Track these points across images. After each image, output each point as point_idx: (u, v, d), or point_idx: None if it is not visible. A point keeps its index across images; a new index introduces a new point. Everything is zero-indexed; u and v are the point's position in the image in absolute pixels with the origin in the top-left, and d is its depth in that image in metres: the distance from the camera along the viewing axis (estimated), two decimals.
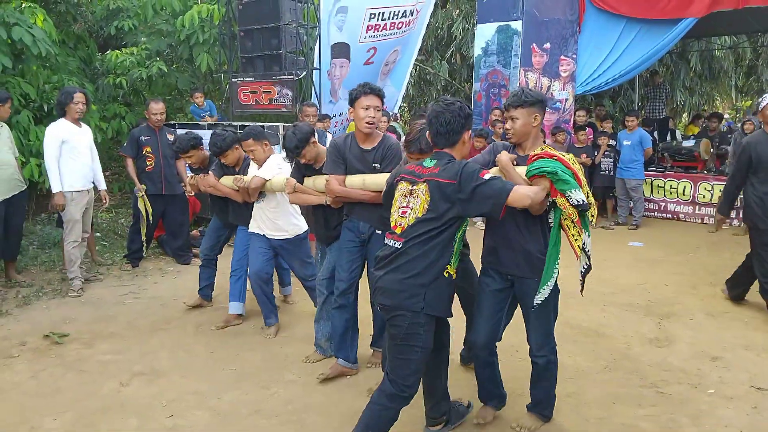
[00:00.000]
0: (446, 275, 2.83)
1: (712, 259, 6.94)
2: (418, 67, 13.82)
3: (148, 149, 6.61)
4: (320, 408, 3.58)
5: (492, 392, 3.39)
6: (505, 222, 3.01)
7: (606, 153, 9.19)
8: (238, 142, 4.77)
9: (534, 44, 9.80)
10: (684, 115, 16.57)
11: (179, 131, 7.68)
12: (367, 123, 3.66)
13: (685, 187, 9.28)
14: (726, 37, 14.92)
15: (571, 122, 9.80)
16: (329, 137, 6.92)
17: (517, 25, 9.93)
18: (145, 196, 6.57)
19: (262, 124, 7.85)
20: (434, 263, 2.79)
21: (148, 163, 6.61)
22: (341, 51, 9.14)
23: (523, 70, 9.96)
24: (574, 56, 9.62)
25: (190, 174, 5.46)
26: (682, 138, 11.27)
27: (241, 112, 8.84)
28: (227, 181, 4.81)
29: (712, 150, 10.07)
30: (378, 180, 3.64)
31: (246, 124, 8.17)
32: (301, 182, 4.16)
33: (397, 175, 3.02)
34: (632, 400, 3.66)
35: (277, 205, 4.66)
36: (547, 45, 9.72)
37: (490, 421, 3.38)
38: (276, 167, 4.54)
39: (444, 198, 2.75)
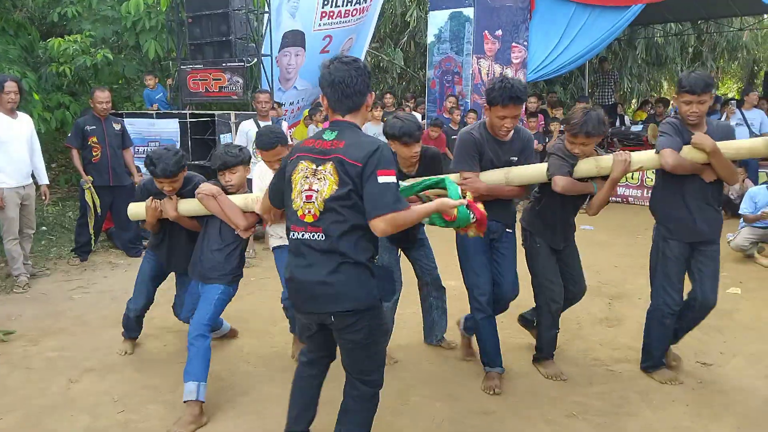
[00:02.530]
0: (375, 263, 2.54)
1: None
2: (372, 54, 13.77)
3: (94, 139, 6.40)
4: (279, 399, 3.55)
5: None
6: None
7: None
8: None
9: (486, 31, 9.87)
10: (633, 101, 16.98)
11: (128, 120, 7.51)
12: (503, 133, 3.40)
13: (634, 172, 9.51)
14: (672, 24, 15.32)
15: (524, 109, 9.91)
16: (284, 125, 6.84)
17: (469, 12, 9.98)
18: (92, 187, 6.38)
19: (212, 112, 7.72)
20: (365, 251, 2.46)
21: (94, 153, 6.40)
22: (295, 39, 9.04)
23: (476, 57, 10.03)
24: (526, 43, 9.74)
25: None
26: (631, 123, 11.56)
27: (190, 99, 8.66)
28: (238, 200, 3.58)
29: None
30: (523, 173, 3.45)
31: (197, 112, 8.04)
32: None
33: (291, 154, 2.61)
34: (584, 378, 3.75)
35: None
36: (499, 32, 9.80)
37: None
38: None
39: (350, 178, 2.37)
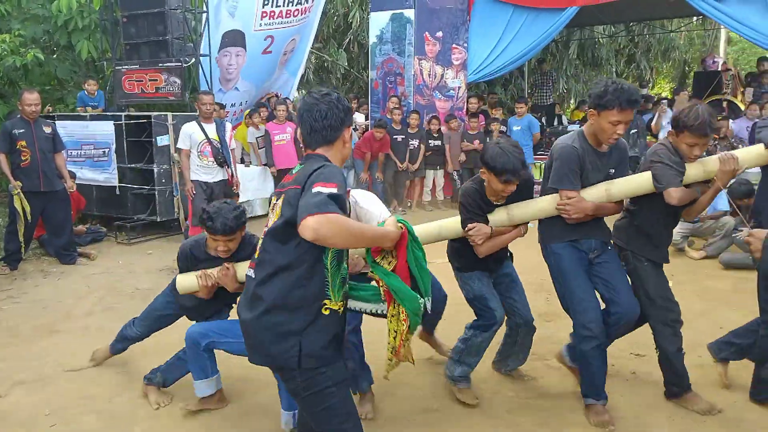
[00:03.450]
0: (326, 312, 2.17)
1: None
2: (315, 54, 13.71)
3: (23, 143, 6.15)
4: (266, 409, 3.50)
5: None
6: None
7: (498, 139, 9.50)
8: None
9: (427, 33, 9.96)
10: (571, 101, 17.46)
11: (59, 123, 7.25)
12: (613, 141, 3.06)
13: None
14: (606, 26, 15.82)
15: (465, 109, 10.06)
16: (228, 127, 6.71)
17: (410, 13, 10.06)
18: (21, 193, 6.13)
19: (149, 113, 7.54)
20: (302, 299, 2.13)
21: (23, 158, 6.16)
22: (235, 39, 8.92)
23: (418, 58, 10.11)
24: (465, 44, 9.87)
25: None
26: (568, 123, 11.89)
27: (126, 101, 8.42)
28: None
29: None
30: (627, 186, 3.14)
31: (133, 114, 7.83)
32: (486, 221, 3.23)
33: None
34: (523, 373, 3.82)
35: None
36: (440, 33, 9.92)
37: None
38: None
39: (289, 206, 2.12)
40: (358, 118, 10.23)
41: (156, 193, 7.45)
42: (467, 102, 10.12)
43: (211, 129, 6.40)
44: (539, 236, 3.39)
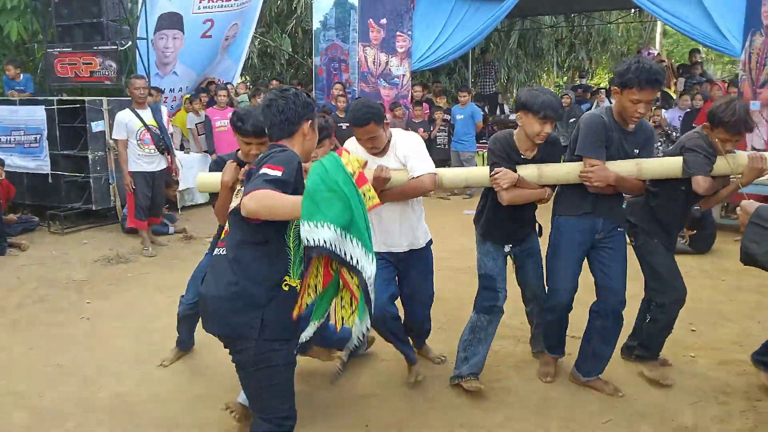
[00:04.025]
0: (286, 288, 2.29)
1: None
2: (259, 40, 13.47)
3: None
4: (155, 398, 3.43)
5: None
6: None
7: (441, 127, 9.59)
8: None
9: (371, 19, 9.93)
10: (513, 90, 17.74)
11: None
12: (635, 119, 3.07)
13: None
14: (547, 17, 16.11)
15: (409, 97, 10.09)
16: (164, 111, 6.53)
17: None
18: None
19: (82, 98, 7.26)
20: (266, 275, 2.27)
21: None
22: (172, 22, 8.68)
23: (362, 45, 10.07)
24: (410, 32, 9.88)
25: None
26: (510, 112, 12.08)
27: (58, 85, 8.09)
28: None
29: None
30: (657, 167, 3.16)
31: (66, 98, 7.53)
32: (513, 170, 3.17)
33: None
34: None
35: (418, 205, 3.42)
36: (384, 21, 9.89)
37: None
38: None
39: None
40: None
41: (91, 180, 7.19)
42: (412, 90, 10.15)
43: (147, 115, 6.21)
44: (553, 207, 3.39)
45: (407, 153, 3.19)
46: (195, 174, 8.48)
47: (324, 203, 2.04)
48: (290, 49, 13.92)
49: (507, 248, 3.42)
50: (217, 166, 3.27)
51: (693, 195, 3.20)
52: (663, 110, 9.22)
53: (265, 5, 11.95)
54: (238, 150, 3.21)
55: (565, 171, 3.18)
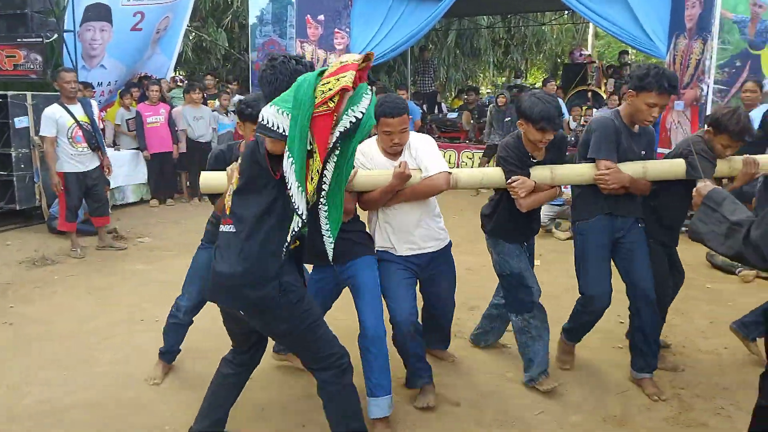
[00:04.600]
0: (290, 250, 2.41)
1: (474, 220, 7.63)
2: (194, 34, 13.16)
3: None
4: (84, 404, 3.30)
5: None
6: None
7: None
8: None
9: (308, 16, 9.86)
10: (452, 89, 17.97)
11: None
12: (648, 122, 3.18)
13: (450, 155, 10.10)
14: (485, 17, 16.39)
15: None
16: (95, 106, 6.27)
17: None
18: None
19: (4, 92, 6.92)
20: (276, 247, 2.34)
21: None
22: (100, 13, 8.36)
23: (300, 41, 9.99)
24: (348, 29, 9.86)
25: None
26: (448, 110, 12.23)
27: None
28: None
29: (472, 121, 11.06)
30: (661, 169, 3.25)
31: None
32: (527, 175, 3.20)
33: None
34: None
35: (436, 205, 3.37)
36: (322, 17, 9.84)
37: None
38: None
39: (254, 160, 2.32)
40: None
41: (14, 179, 6.86)
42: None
43: (77, 110, 5.91)
44: (572, 213, 3.49)
45: (421, 153, 3.15)
46: (126, 172, 8.24)
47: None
48: (226, 44, 13.66)
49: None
50: (217, 162, 3.13)
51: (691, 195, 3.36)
52: (594, 110, 9.53)
53: None
54: (240, 142, 3.10)
55: (578, 173, 3.26)
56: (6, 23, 7.48)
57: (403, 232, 3.22)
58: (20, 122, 6.79)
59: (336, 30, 9.87)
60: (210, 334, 3.76)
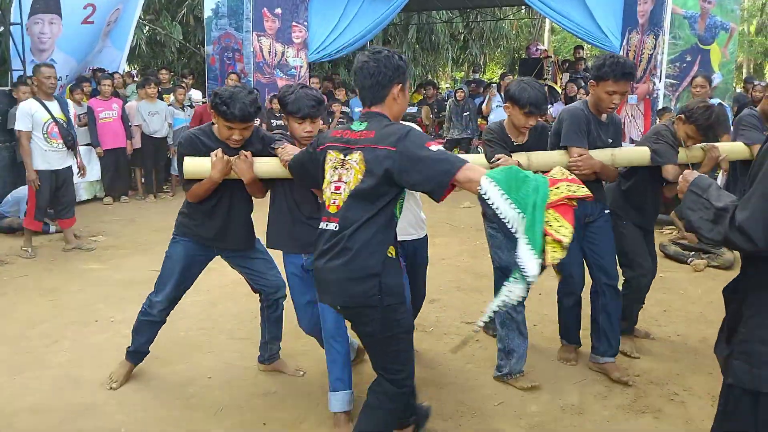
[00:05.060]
0: (390, 256, 2.38)
1: (435, 213, 7.67)
2: (148, 26, 12.86)
3: None
4: (33, 409, 3.19)
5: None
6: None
7: (340, 120, 9.56)
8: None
9: (265, 9, 9.73)
10: (413, 84, 18.00)
11: None
12: (610, 109, 3.34)
13: None
14: (443, 12, 16.45)
15: None
16: (71, 104, 6.07)
17: None
18: None
19: None
20: (379, 245, 2.35)
21: None
22: (48, 5, 8.08)
23: (256, 34, 9.85)
24: (306, 23, 9.78)
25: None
26: (408, 105, 12.23)
27: None
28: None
29: (431, 116, 11.10)
30: (628, 155, 3.45)
31: None
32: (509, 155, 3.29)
33: (320, 143, 2.52)
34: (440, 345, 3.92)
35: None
36: (279, 10, 9.73)
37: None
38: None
39: (380, 167, 2.28)
40: (195, 94, 9.78)
41: None
42: (309, 81, 10.04)
43: (54, 107, 5.78)
44: None
45: None
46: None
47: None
48: (181, 38, 13.39)
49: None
50: (191, 146, 3.05)
51: (659, 178, 3.52)
52: (549, 104, 9.66)
53: None
54: (212, 124, 3.07)
55: (552, 160, 3.31)
56: None
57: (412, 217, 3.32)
58: None
59: (294, 24, 9.77)
60: (177, 340, 3.69)
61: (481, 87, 12.07)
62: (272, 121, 9.29)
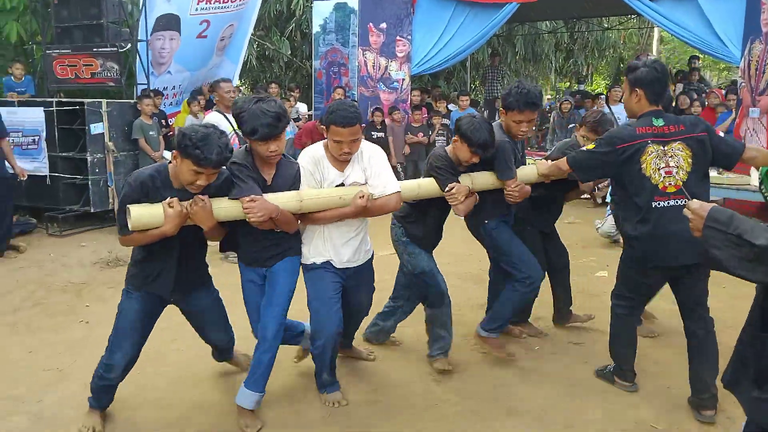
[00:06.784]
0: None
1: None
2: (258, 42, 13.46)
3: None
4: (156, 403, 3.41)
5: None
6: None
7: (440, 132, 9.59)
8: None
9: (371, 23, 9.94)
10: None
11: None
12: (519, 137, 3.65)
13: None
14: (547, 22, 16.15)
15: (408, 102, 10.10)
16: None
17: (354, 3, 10.01)
18: None
19: (81, 100, 7.25)
20: None
21: None
22: (170, 23, 8.64)
23: (362, 49, 10.08)
24: (409, 37, 9.90)
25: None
26: None
27: (58, 86, 8.07)
28: (291, 200, 3.02)
29: (534, 127, 10.91)
30: (528, 172, 3.69)
31: (65, 100, 7.52)
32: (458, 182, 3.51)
33: (632, 138, 3.07)
34: (463, 361, 3.88)
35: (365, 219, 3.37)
36: (384, 25, 9.90)
37: None
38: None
39: (705, 150, 3.04)
40: (301, 107, 10.12)
41: (89, 183, 7.17)
42: (411, 94, 10.15)
43: (232, 120, 6.00)
44: (473, 217, 3.68)
45: (375, 168, 3.18)
46: None
47: None
48: (289, 53, 13.91)
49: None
50: (142, 191, 2.79)
51: (565, 186, 3.85)
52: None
53: (264, 8, 11.95)
54: (168, 163, 2.85)
55: (489, 182, 3.54)
56: (83, 34, 7.82)
57: (344, 246, 3.25)
58: (96, 128, 7.09)
59: (398, 37, 9.92)
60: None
61: (586, 98, 11.73)
62: (372, 133, 9.42)
